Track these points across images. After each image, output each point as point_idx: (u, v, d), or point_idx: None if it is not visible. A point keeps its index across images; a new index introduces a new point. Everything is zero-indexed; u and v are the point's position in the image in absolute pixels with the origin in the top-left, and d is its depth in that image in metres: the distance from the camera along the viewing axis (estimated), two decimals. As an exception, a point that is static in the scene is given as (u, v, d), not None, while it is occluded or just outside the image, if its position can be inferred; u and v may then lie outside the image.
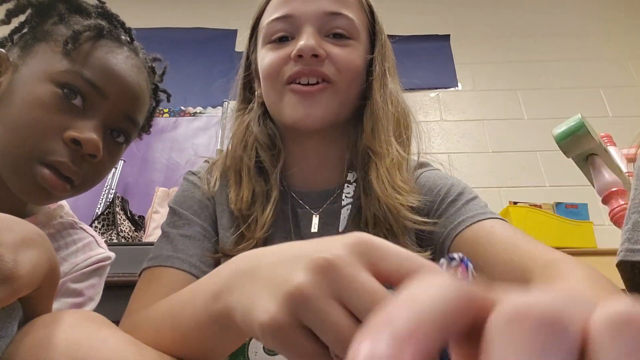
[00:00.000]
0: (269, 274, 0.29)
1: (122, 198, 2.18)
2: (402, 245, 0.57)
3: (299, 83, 0.60)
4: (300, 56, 0.59)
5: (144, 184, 2.41)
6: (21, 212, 0.64)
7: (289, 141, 0.67)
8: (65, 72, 0.57)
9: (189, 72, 2.87)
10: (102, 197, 2.28)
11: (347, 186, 0.65)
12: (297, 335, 0.27)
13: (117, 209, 2.05)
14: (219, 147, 2.35)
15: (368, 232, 0.51)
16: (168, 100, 0.77)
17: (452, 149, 2.47)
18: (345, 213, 0.62)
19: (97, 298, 0.71)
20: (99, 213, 2.07)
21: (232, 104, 2.69)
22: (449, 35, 2.86)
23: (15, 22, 0.62)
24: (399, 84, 0.69)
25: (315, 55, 0.59)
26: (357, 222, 0.61)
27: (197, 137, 2.62)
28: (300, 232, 0.63)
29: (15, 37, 0.63)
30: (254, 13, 0.69)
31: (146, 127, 0.75)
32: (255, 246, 0.58)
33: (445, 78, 2.73)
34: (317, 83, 0.60)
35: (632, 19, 2.88)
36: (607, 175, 0.96)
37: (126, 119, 0.63)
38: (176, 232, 0.61)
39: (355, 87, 0.64)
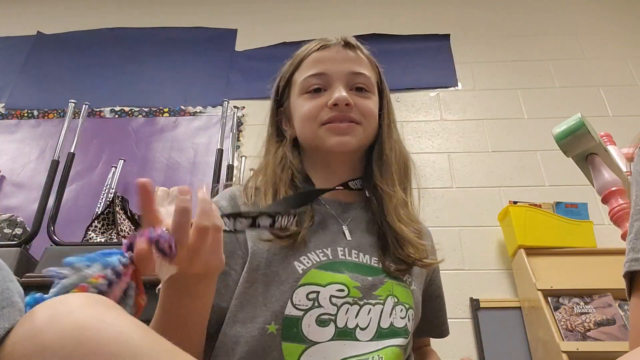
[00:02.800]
0: None
1: (122, 197, 2.18)
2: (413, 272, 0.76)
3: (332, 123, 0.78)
4: (335, 105, 0.77)
5: (144, 184, 2.41)
6: None
7: (317, 165, 0.83)
8: None
9: (189, 72, 2.87)
10: (102, 196, 2.28)
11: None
12: None
13: (117, 209, 2.05)
14: (218, 147, 2.34)
15: (398, 253, 0.74)
16: None
17: (452, 149, 2.47)
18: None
19: None
20: (99, 212, 2.07)
21: (232, 104, 2.66)
22: (449, 34, 2.86)
23: None
24: (400, 134, 0.86)
25: (347, 104, 0.77)
26: (385, 247, 0.76)
27: (197, 137, 2.62)
28: (332, 231, 0.76)
29: None
30: (287, 68, 0.86)
31: None
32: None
33: (445, 77, 2.73)
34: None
35: (632, 18, 2.88)
36: (607, 174, 0.96)
37: None
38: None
39: (373, 129, 0.81)
